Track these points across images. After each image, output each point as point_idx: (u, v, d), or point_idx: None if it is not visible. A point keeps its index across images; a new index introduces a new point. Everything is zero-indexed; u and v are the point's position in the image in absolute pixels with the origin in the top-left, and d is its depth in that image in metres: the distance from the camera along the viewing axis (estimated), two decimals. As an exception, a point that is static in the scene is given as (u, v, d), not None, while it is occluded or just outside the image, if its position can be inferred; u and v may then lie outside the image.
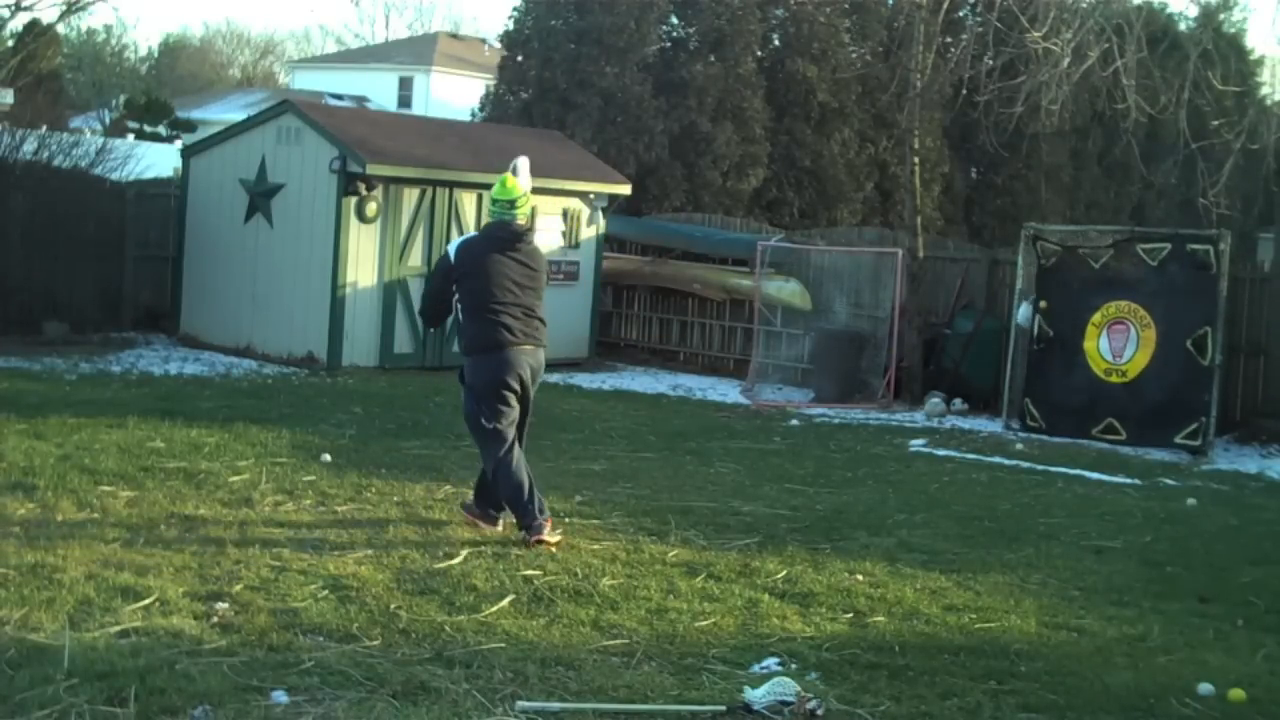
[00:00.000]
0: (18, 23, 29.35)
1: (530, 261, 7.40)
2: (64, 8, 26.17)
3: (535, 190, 16.43)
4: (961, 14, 21.92)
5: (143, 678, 4.72)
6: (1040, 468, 11.20)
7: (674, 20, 21.61)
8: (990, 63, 16.10)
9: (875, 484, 9.91)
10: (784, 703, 4.91)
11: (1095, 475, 10.96)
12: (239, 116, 22.00)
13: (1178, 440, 12.47)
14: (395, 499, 8.00)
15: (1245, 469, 11.95)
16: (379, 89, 49.01)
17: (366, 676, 4.93)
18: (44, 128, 18.20)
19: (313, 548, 6.75)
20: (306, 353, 14.41)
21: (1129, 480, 10.87)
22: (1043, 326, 13.31)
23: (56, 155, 15.45)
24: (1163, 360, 12.75)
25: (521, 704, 4.80)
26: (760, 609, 6.25)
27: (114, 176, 15.88)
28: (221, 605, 5.70)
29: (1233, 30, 25.91)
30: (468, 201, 15.12)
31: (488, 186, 15.28)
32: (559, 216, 16.13)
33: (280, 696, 4.72)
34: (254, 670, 4.94)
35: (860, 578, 6.93)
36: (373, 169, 14.10)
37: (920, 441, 12.22)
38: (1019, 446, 12.32)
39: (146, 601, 5.65)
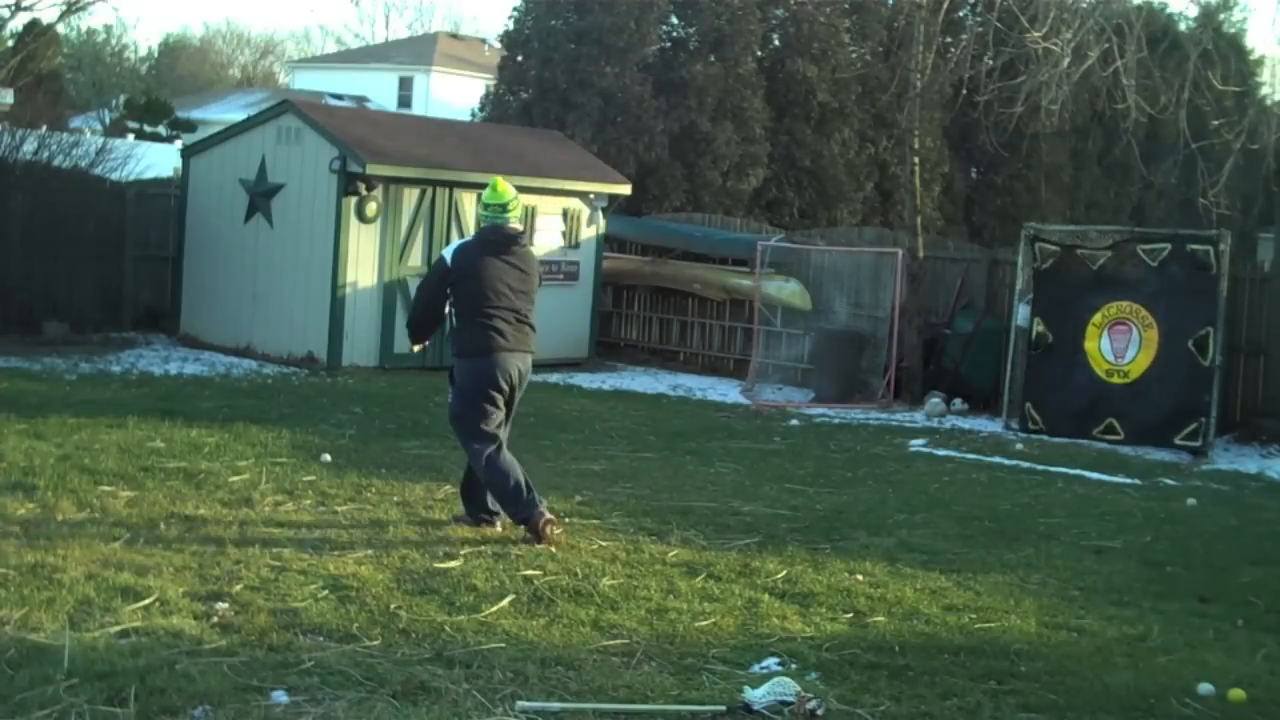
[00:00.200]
0: (18, 23, 29.38)
1: (524, 265, 7.43)
2: (64, 8, 26.21)
3: (536, 190, 16.55)
4: (961, 14, 21.92)
5: (143, 678, 4.72)
6: (1040, 468, 11.20)
7: (674, 20, 21.62)
8: (990, 63, 16.10)
9: (875, 484, 9.91)
10: (784, 703, 4.91)
11: (1095, 475, 10.96)
12: (239, 116, 22.01)
13: (1178, 441, 12.47)
14: (395, 499, 8.00)
15: (1245, 469, 11.95)
16: (379, 89, 49.01)
17: (366, 676, 4.93)
18: (44, 128, 18.19)
19: (313, 548, 6.75)
20: (306, 353, 14.41)
21: (1129, 480, 10.87)
22: (1041, 331, 13.29)
23: (56, 155, 15.45)
24: (1165, 361, 12.74)
25: (521, 704, 4.79)
26: (760, 609, 6.25)
27: (114, 176, 15.88)
28: (221, 605, 5.70)
29: (1233, 30, 25.92)
30: (468, 201, 15.11)
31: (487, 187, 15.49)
32: (559, 216, 16.14)
33: (280, 696, 4.72)
34: (254, 670, 4.94)
35: (860, 578, 6.92)
36: (373, 169, 14.10)
37: (920, 441, 12.22)
38: (1019, 446, 12.32)
39: (146, 601, 5.65)
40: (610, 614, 5.98)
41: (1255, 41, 37.67)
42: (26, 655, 4.90)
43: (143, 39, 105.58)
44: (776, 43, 22.28)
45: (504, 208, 7.39)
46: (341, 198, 14.19)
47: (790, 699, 4.92)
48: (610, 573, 6.65)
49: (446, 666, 5.11)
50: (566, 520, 7.76)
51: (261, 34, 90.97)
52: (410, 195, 14.73)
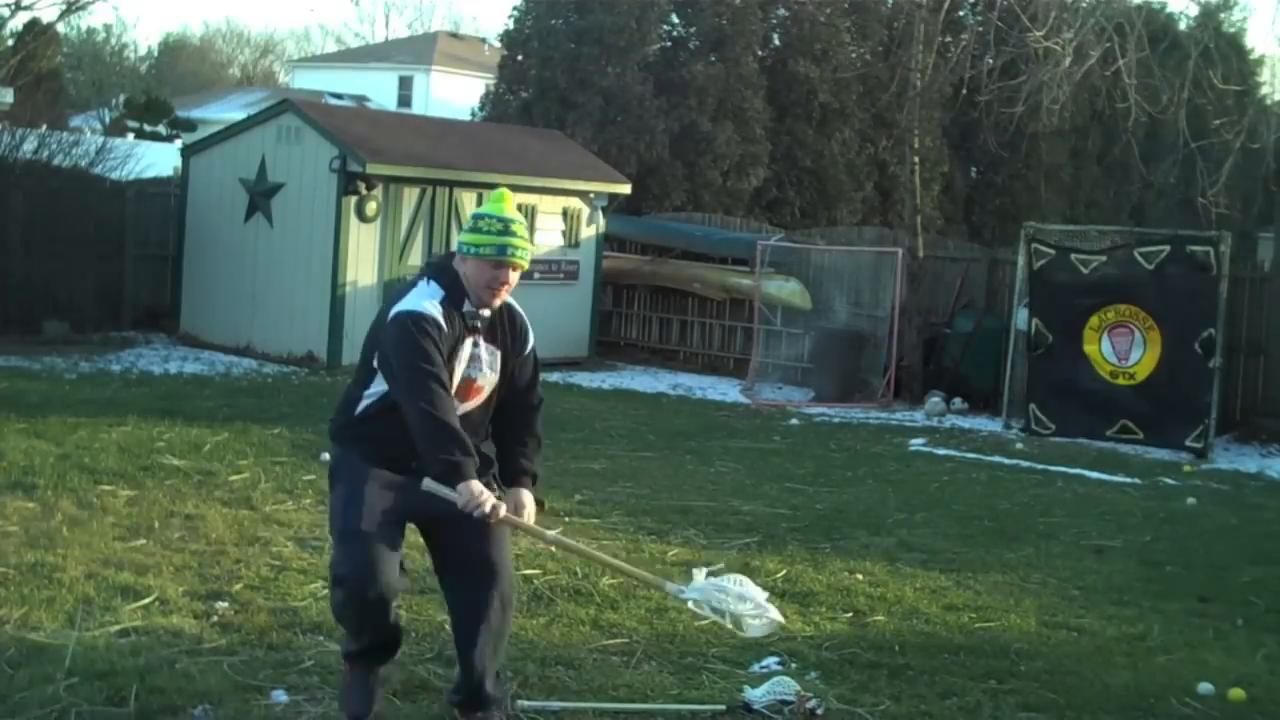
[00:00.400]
0: (18, 22, 29.38)
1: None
2: (64, 7, 26.23)
3: (536, 190, 16.56)
4: (961, 14, 21.92)
5: (143, 677, 4.72)
6: (1040, 467, 11.20)
7: (674, 20, 21.61)
8: (990, 62, 16.10)
9: (875, 483, 9.91)
10: (784, 702, 4.91)
11: (1095, 475, 10.96)
12: (239, 116, 22.00)
13: (1189, 442, 12.45)
14: (395, 498, 7.99)
15: (1245, 469, 11.96)
16: (379, 88, 49.01)
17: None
18: (44, 127, 18.20)
19: (313, 547, 6.75)
20: (306, 352, 14.41)
21: (1129, 480, 10.87)
22: (1041, 332, 13.28)
23: (56, 154, 15.44)
24: (1168, 362, 12.72)
25: (521, 703, 4.80)
26: (760, 608, 6.24)
27: (114, 176, 15.87)
28: (221, 604, 5.70)
29: (1233, 30, 25.89)
30: (468, 201, 15.11)
31: (488, 186, 15.46)
32: (559, 216, 16.14)
33: (280, 695, 4.72)
34: (254, 669, 4.94)
35: (860, 577, 6.93)
36: (373, 168, 14.10)
37: (920, 441, 12.23)
38: (1019, 446, 12.32)
39: (146, 601, 5.66)
40: (610, 613, 5.98)
41: (1255, 41, 37.73)
42: (26, 654, 4.90)
43: (143, 38, 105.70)
44: (777, 42, 22.27)
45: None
46: (341, 197, 14.19)
47: (790, 698, 4.92)
48: (610, 572, 6.65)
49: (447, 666, 5.10)
50: (566, 520, 7.76)
51: (261, 33, 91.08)
52: (410, 195, 14.72)
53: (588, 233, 16.49)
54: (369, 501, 4.33)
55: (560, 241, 16.20)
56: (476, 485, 4.20)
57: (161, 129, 38.80)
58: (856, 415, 13.98)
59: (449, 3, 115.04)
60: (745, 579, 4.55)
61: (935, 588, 6.85)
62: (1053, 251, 13.38)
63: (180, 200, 15.80)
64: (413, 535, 4.62)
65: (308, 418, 10.82)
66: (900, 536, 8.04)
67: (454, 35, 57.44)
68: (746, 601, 4.43)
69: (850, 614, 6.27)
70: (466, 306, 4.38)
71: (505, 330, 4.52)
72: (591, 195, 16.43)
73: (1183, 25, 21.50)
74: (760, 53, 21.54)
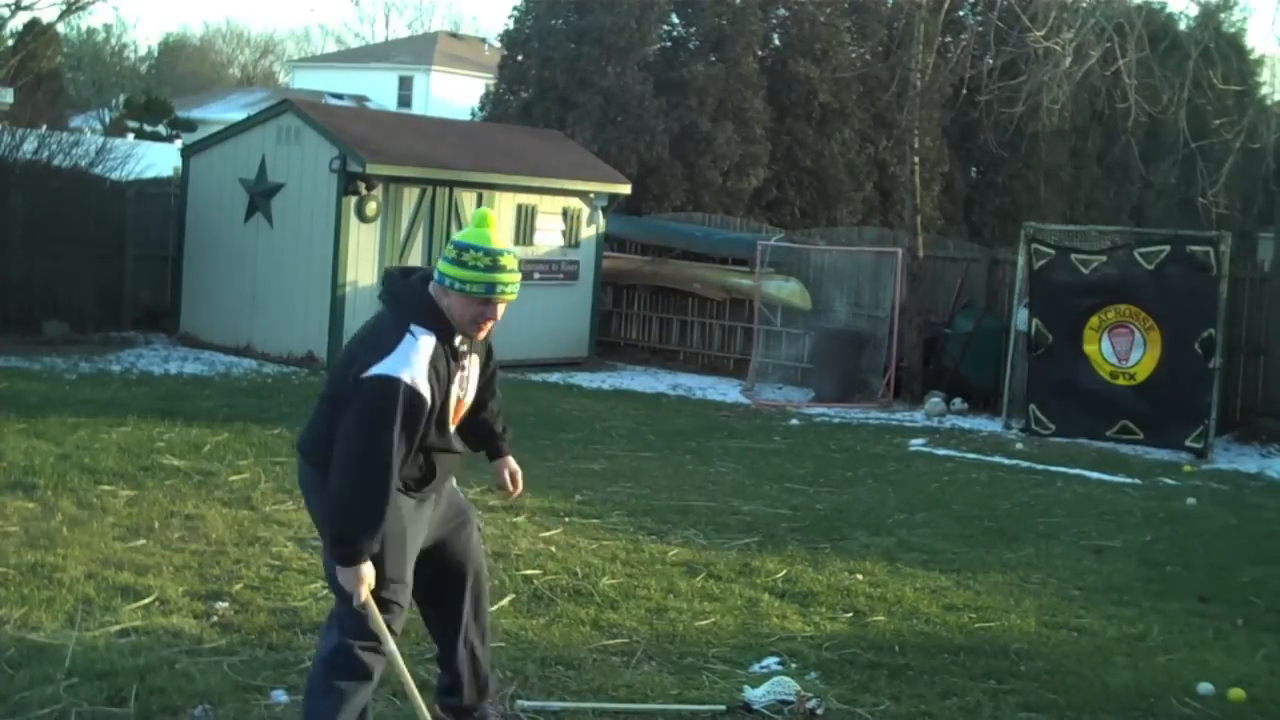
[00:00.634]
0: (18, 22, 29.40)
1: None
2: (64, 7, 26.25)
3: (536, 190, 16.57)
4: (961, 14, 21.93)
5: (143, 677, 4.72)
6: (1040, 467, 11.20)
7: (674, 20, 21.61)
8: (990, 62, 16.10)
9: (875, 483, 9.91)
10: (784, 702, 4.91)
11: (1095, 475, 10.96)
12: (239, 116, 22.00)
13: (1189, 442, 12.45)
14: (395, 498, 7.99)
15: (1245, 469, 11.95)
16: (379, 88, 49.01)
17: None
18: (44, 127, 18.21)
19: (312, 547, 6.74)
20: (306, 352, 14.41)
21: (1129, 480, 10.87)
22: (1041, 332, 13.28)
23: (56, 155, 15.44)
24: (1171, 362, 12.72)
25: (521, 703, 4.80)
26: (760, 608, 6.25)
27: (114, 176, 15.86)
28: (221, 605, 5.70)
29: (1233, 30, 25.91)
30: (468, 201, 15.11)
31: (488, 186, 15.51)
32: (559, 216, 16.14)
33: (280, 695, 4.72)
34: (254, 669, 4.94)
35: (860, 577, 6.92)
36: (373, 168, 14.10)
37: (920, 441, 12.23)
38: (1019, 446, 12.32)
39: (146, 601, 5.66)
40: (610, 613, 5.98)
41: (1255, 41, 37.77)
42: (26, 654, 4.91)
43: (143, 38, 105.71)
44: (777, 42, 22.28)
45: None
46: (341, 197, 14.19)
47: (790, 698, 4.92)
48: (610, 572, 6.65)
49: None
50: (566, 520, 7.76)
51: (261, 33, 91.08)
52: (410, 195, 14.72)
53: (588, 233, 16.49)
54: (395, 543, 4.05)
55: (560, 241, 16.20)
56: (367, 571, 3.92)
57: (161, 129, 38.81)
58: (856, 415, 13.98)
59: (449, 3, 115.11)
60: None
61: (935, 588, 6.85)
62: (1053, 251, 13.38)
63: (180, 200, 15.80)
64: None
65: (308, 418, 10.80)
66: (900, 536, 8.04)
67: (454, 35, 57.44)
68: None
69: (850, 614, 6.27)
70: (456, 341, 4.07)
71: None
72: (591, 195, 16.43)
73: (1183, 25, 21.52)
74: (760, 53, 21.55)
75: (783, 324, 16.32)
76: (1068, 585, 7.13)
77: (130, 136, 30.27)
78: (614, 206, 16.93)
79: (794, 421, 13.20)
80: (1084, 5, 14.53)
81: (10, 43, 30.31)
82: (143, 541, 6.64)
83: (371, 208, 14.33)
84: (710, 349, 17.43)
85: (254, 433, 9.87)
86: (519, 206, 15.70)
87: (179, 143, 26.17)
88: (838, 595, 6.55)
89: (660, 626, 5.86)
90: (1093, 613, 6.59)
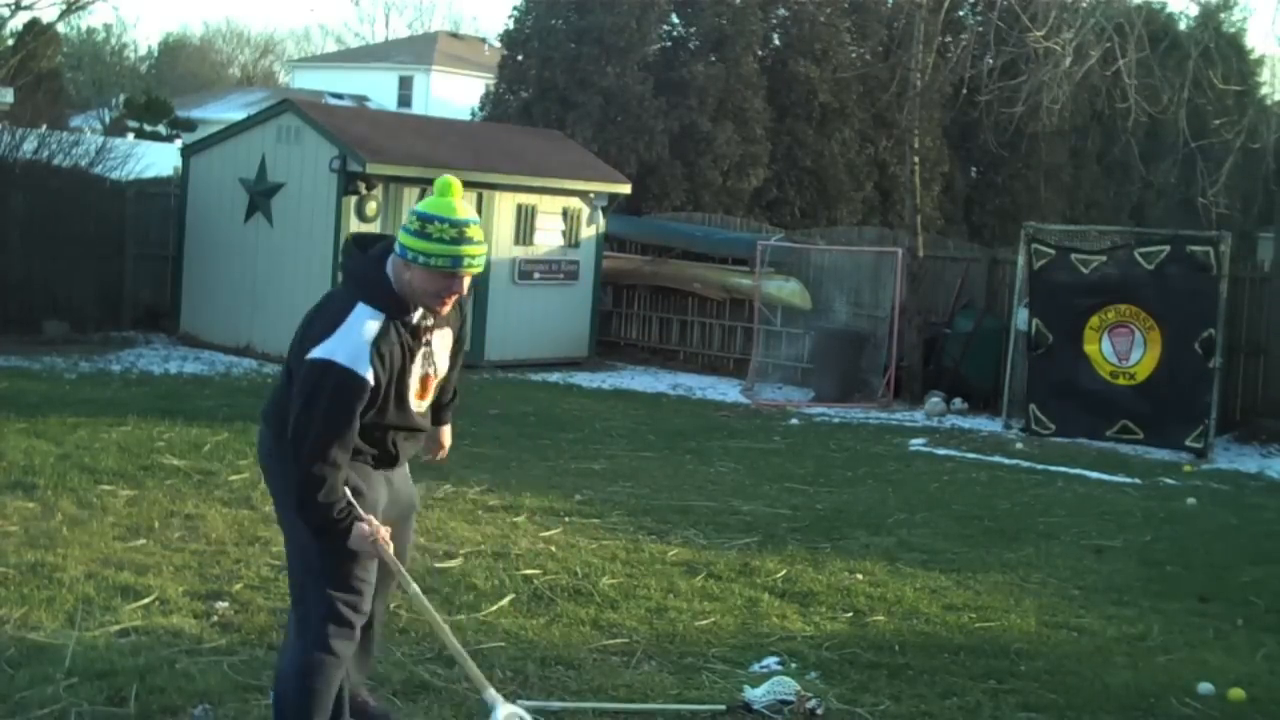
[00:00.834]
0: (18, 22, 29.40)
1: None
2: (64, 7, 26.25)
3: (536, 190, 16.56)
4: (961, 14, 21.95)
5: (143, 677, 4.72)
6: (1040, 467, 11.20)
7: (674, 20, 21.61)
8: (990, 62, 16.10)
9: (875, 483, 9.91)
10: (784, 702, 4.91)
11: (1095, 475, 10.96)
12: (239, 116, 22.00)
13: (1189, 442, 12.45)
14: (395, 498, 7.99)
15: (1245, 469, 11.95)
16: (379, 88, 49.01)
17: (367, 676, 4.93)
18: (44, 127, 18.19)
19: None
20: (306, 352, 14.40)
21: (1129, 480, 10.87)
22: (1041, 332, 13.28)
23: (56, 154, 15.44)
24: (1171, 362, 12.72)
25: (522, 703, 4.79)
26: (760, 608, 6.25)
27: (114, 175, 15.87)
28: (221, 604, 5.70)
29: (1233, 30, 25.92)
30: (468, 201, 15.09)
31: (488, 186, 15.52)
32: (559, 216, 16.14)
33: (280, 695, 4.72)
34: (254, 669, 4.94)
35: (860, 577, 6.92)
36: (373, 168, 14.10)
37: (920, 441, 12.22)
38: (1019, 446, 12.32)
39: (146, 600, 5.65)
40: (610, 613, 5.98)
41: (1255, 41, 37.79)
42: (26, 654, 4.90)
43: (143, 38, 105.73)
44: (777, 42, 22.29)
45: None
46: (341, 197, 14.19)
47: (790, 698, 4.92)
48: (610, 572, 6.65)
49: (446, 666, 5.11)
50: (566, 520, 7.76)
51: (261, 33, 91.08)
52: (410, 195, 14.72)
53: (588, 233, 16.49)
54: (382, 513, 3.98)
55: (560, 241, 16.20)
56: (367, 529, 3.83)
57: (161, 129, 38.80)
58: (856, 415, 13.98)
59: (449, 3, 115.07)
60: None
61: (935, 588, 6.85)
62: (1053, 251, 13.37)
63: (180, 200, 15.81)
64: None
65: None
66: (900, 536, 8.03)
67: (454, 35, 57.44)
68: None
69: (850, 614, 6.27)
70: (414, 317, 3.89)
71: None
72: (591, 195, 16.43)
73: (1183, 25, 21.53)
74: (760, 53, 21.55)
75: (783, 324, 16.33)
76: (1068, 585, 7.13)
77: (130, 136, 30.26)
78: (614, 206, 16.94)
79: (794, 421, 13.20)
80: (1084, 5, 14.53)
81: (10, 43, 30.31)
82: (143, 541, 6.64)
83: (371, 207, 14.33)
84: (710, 349, 17.43)
85: (254, 432, 9.77)
86: (519, 206, 15.70)
87: (179, 143, 26.16)
88: (838, 595, 6.55)
89: (660, 626, 5.86)
90: (1093, 613, 6.59)
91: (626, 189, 16.90)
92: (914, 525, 8.40)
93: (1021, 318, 13.61)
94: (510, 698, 4.82)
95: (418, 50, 52.84)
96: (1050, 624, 6.34)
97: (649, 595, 6.30)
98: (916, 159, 16.37)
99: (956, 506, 9.17)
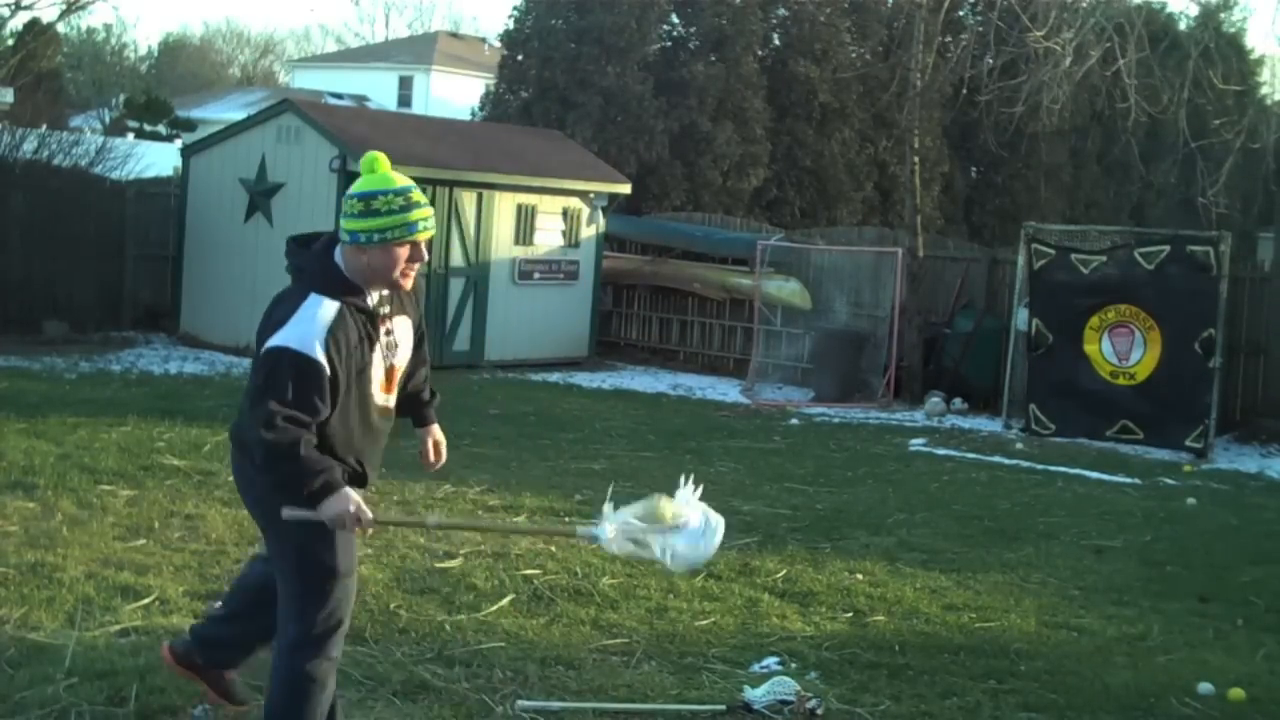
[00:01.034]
0: (18, 22, 29.39)
1: None
2: (64, 7, 26.23)
3: (536, 190, 16.55)
4: (961, 14, 21.94)
5: (143, 677, 4.71)
6: (1040, 467, 11.20)
7: (674, 20, 21.62)
8: (990, 62, 16.11)
9: (875, 483, 9.91)
10: (784, 702, 4.91)
11: (1095, 475, 10.96)
12: (239, 116, 22.00)
13: (1189, 442, 12.45)
14: (394, 498, 7.99)
15: (1245, 469, 11.96)
16: (379, 88, 49.01)
17: (366, 675, 4.93)
18: (44, 126, 18.20)
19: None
20: (306, 352, 14.40)
21: (1129, 480, 10.87)
22: (1041, 332, 13.28)
23: (56, 154, 15.45)
24: (1171, 362, 12.72)
25: (522, 703, 4.80)
26: (760, 608, 6.25)
27: (114, 175, 15.88)
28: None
29: (1233, 30, 25.92)
30: (468, 201, 15.12)
31: (487, 186, 15.52)
32: (559, 216, 16.15)
33: (280, 696, 4.71)
34: (254, 669, 4.94)
35: (860, 577, 6.92)
36: (373, 168, 14.08)
37: (920, 441, 12.22)
38: (1019, 446, 12.32)
39: (146, 600, 5.65)
40: (610, 613, 5.98)
41: (1255, 41, 37.79)
42: (26, 654, 4.90)
43: (143, 38, 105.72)
44: (777, 42, 22.29)
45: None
46: (341, 197, 14.17)
47: (790, 698, 4.92)
48: (610, 572, 6.65)
49: (446, 665, 5.11)
50: (566, 520, 7.75)
51: (261, 33, 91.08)
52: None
53: (588, 233, 16.49)
54: (345, 533, 3.83)
55: (560, 241, 16.20)
56: (345, 500, 3.69)
57: (161, 129, 38.80)
58: (856, 415, 13.98)
59: (449, 3, 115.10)
60: (669, 503, 4.11)
61: (935, 588, 6.85)
62: (1053, 251, 13.38)
63: (180, 200, 15.81)
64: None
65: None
66: (900, 536, 8.03)
67: (454, 35, 57.44)
68: (670, 530, 4.01)
69: (850, 614, 6.27)
70: (370, 301, 3.81)
71: (400, 292, 3.94)
72: (591, 195, 16.43)
73: (1183, 25, 21.54)
74: (760, 53, 21.55)
75: (783, 324, 16.33)
76: (1068, 585, 7.13)
77: (130, 136, 30.26)
78: (614, 206, 16.94)
79: (794, 421, 13.20)
80: (1084, 5, 14.54)
81: (10, 42, 30.30)
82: (143, 541, 6.64)
83: (371, 207, 14.31)
84: (710, 349, 17.43)
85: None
86: (519, 206, 15.70)
87: (179, 142, 26.17)
88: (838, 595, 6.55)
89: (660, 626, 5.86)
90: (1093, 613, 6.59)
91: (626, 189, 16.90)
92: (914, 525, 8.40)
93: (1021, 318, 13.61)
94: (510, 698, 4.82)
95: (418, 50, 52.85)
96: (1050, 624, 6.34)
97: (649, 595, 6.30)
98: (916, 159, 16.37)
99: (956, 506, 9.17)
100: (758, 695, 4.94)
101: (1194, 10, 23.84)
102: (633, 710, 4.85)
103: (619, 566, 6.78)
